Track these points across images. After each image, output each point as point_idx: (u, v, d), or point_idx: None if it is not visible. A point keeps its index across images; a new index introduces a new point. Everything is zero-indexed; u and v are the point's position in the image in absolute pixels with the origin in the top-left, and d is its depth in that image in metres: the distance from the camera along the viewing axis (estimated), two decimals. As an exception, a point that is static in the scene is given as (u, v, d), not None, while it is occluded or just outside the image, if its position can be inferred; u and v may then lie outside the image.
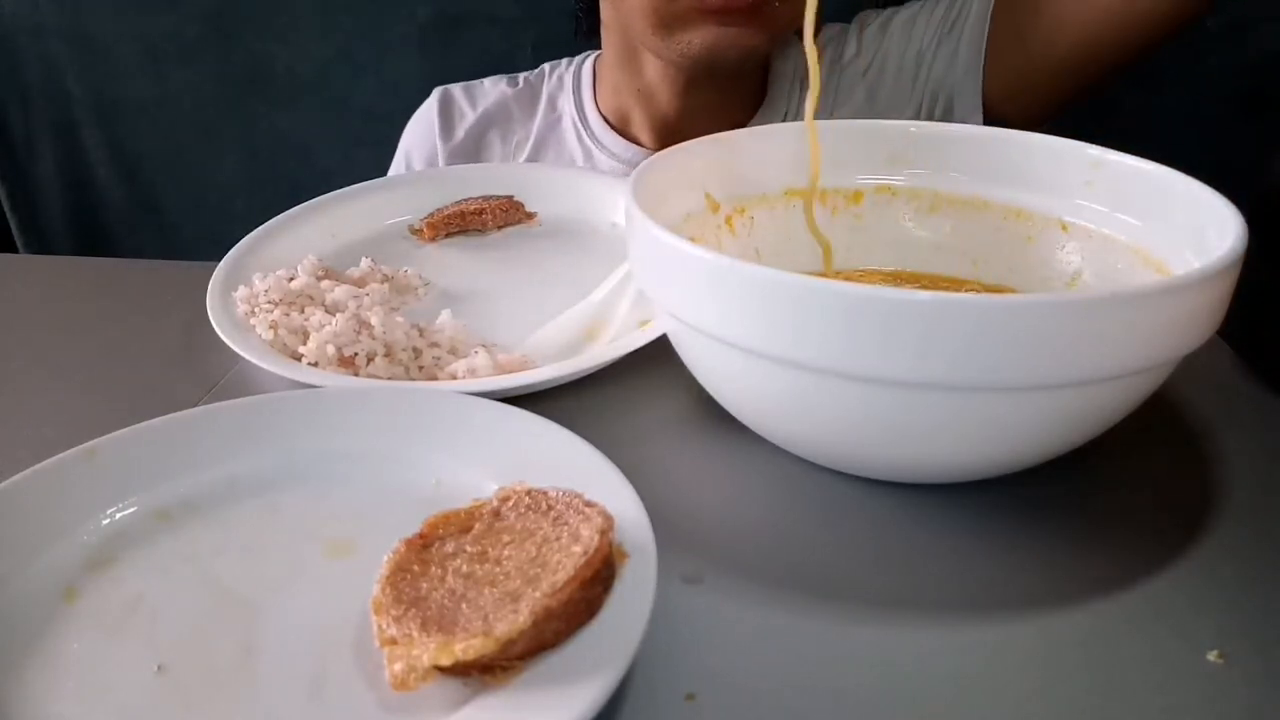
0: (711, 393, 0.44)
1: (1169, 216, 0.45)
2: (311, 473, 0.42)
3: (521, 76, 0.97)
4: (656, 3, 0.75)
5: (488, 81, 0.96)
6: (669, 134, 0.87)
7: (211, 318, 0.54)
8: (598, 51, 0.92)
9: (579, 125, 0.91)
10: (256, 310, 0.55)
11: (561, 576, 0.31)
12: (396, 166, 0.97)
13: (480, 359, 0.50)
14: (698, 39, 0.76)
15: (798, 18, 0.79)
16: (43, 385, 0.54)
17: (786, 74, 0.89)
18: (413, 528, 0.35)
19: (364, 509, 0.40)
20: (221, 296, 0.56)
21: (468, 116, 0.94)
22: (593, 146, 0.90)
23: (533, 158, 0.92)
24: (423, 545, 0.35)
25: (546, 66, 0.97)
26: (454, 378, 0.50)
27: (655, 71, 0.86)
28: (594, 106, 0.91)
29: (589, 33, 0.93)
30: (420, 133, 0.95)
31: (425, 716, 0.30)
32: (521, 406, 0.43)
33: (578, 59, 0.95)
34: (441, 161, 0.93)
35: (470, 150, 0.93)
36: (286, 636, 0.34)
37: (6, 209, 1.30)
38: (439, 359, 0.52)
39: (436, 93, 0.96)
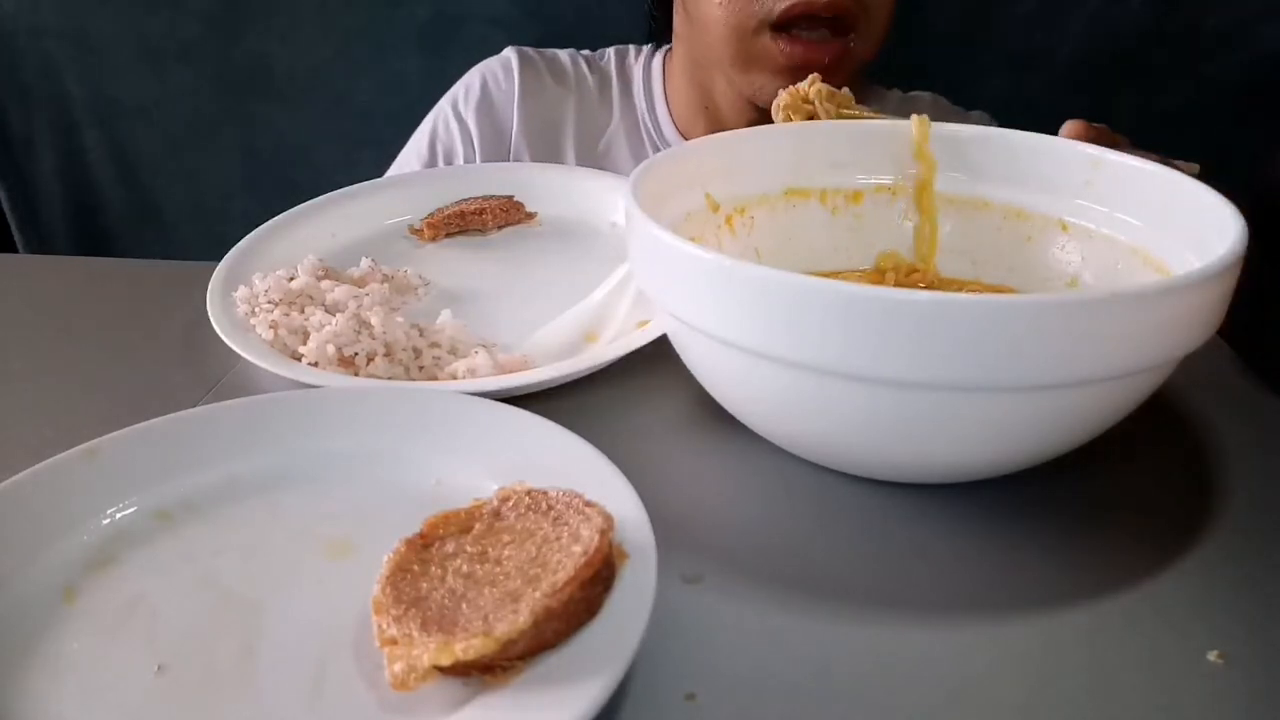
0: (711, 392, 0.44)
1: (1169, 216, 0.45)
2: (311, 473, 0.42)
3: (591, 58, 0.94)
4: (737, 36, 0.74)
5: (563, 54, 0.93)
6: None
7: (211, 318, 0.54)
8: (668, 46, 0.90)
9: (649, 128, 0.89)
10: (256, 310, 0.55)
11: (561, 576, 0.31)
12: (439, 118, 0.92)
13: (480, 359, 0.50)
14: (772, 84, 0.74)
15: (865, 58, 0.75)
16: (43, 385, 0.53)
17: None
18: (413, 528, 0.35)
19: (364, 509, 0.40)
20: (221, 296, 0.56)
21: (548, 85, 0.91)
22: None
23: (606, 150, 0.90)
24: (423, 545, 0.34)
25: (612, 53, 0.94)
26: (454, 378, 0.50)
27: (724, 95, 0.84)
28: (665, 108, 0.89)
29: (658, 36, 0.90)
30: (496, 84, 0.90)
31: (425, 716, 0.30)
32: (521, 406, 0.43)
33: (646, 50, 0.92)
34: (515, 122, 0.89)
35: (550, 122, 0.90)
36: (286, 636, 0.34)
37: (6, 209, 1.30)
38: (439, 359, 0.52)
39: (513, 52, 0.92)
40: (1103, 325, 0.34)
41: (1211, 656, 0.34)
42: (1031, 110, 0.91)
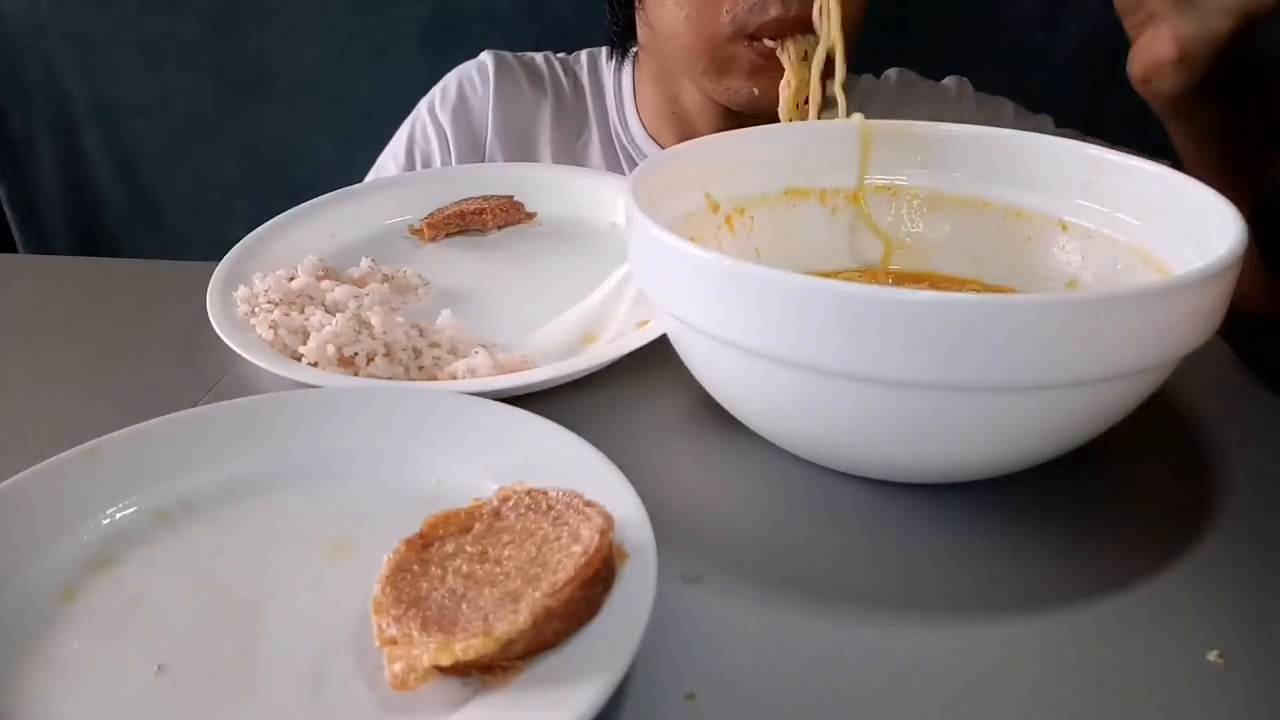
0: (711, 393, 0.44)
1: (1169, 216, 0.45)
2: (311, 473, 0.42)
3: (566, 61, 0.94)
4: (708, 46, 0.73)
5: (539, 58, 0.93)
6: None
7: (211, 318, 0.54)
8: (636, 50, 0.90)
9: (620, 134, 0.89)
10: (256, 310, 0.55)
11: (561, 576, 0.31)
12: (416, 122, 0.92)
13: (480, 359, 0.50)
14: (747, 87, 0.74)
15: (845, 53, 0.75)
16: (43, 385, 0.53)
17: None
18: (413, 528, 0.35)
19: (364, 509, 0.40)
20: (221, 296, 0.56)
21: (524, 90, 0.90)
22: (635, 157, 0.89)
23: (581, 155, 0.90)
24: (423, 545, 0.34)
25: (585, 56, 0.94)
26: (454, 378, 0.50)
27: (693, 103, 0.84)
28: (635, 114, 0.89)
29: (620, 46, 0.90)
30: (472, 88, 0.91)
31: (425, 716, 0.30)
32: (521, 406, 0.43)
33: (615, 56, 0.92)
34: (489, 126, 0.90)
35: (525, 126, 0.90)
36: (286, 636, 0.34)
37: (6, 209, 1.30)
38: (439, 359, 0.52)
39: (489, 56, 0.92)
40: (1103, 325, 0.34)
41: (1211, 656, 0.34)
42: (1031, 110, 0.92)
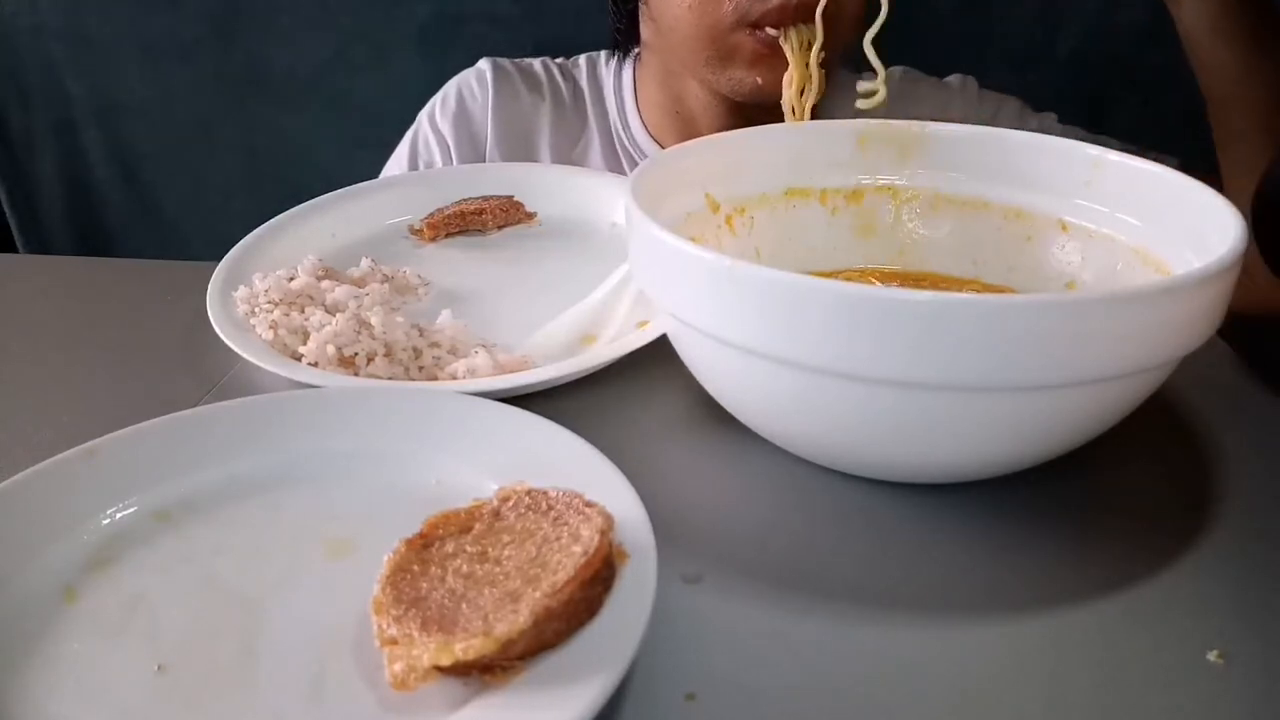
0: (711, 392, 0.44)
1: (1169, 216, 0.45)
2: (311, 473, 0.42)
3: (565, 66, 0.94)
4: (710, 35, 0.73)
5: (537, 63, 0.94)
6: None
7: (211, 318, 0.54)
8: (637, 52, 0.90)
9: (622, 135, 0.90)
10: (256, 310, 0.55)
11: (561, 576, 0.31)
12: (418, 132, 0.93)
13: (480, 359, 0.50)
14: (750, 77, 0.75)
15: (843, 39, 0.74)
16: (43, 385, 0.54)
17: (834, 113, 0.88)
18: (413, 528, 0.35)
19: (364, 509, 0.40)
20: (221, 296, 0.56)
21: (522, 95, 0.91)
22: (637, 158, 0.89)
23: (581, 158, 0.90)
24: (423, 545, 0.35)
25: (584, 60, 0.95)
26: (454, 378, 0.50)
27: (698, 100, 0.84)
28: (637, 115, 0.90)
29: (622, 47, 0.90)
30: (471, 94, 0.92)
31: (425, 716, 0.30)
32: (521, 406, 0.43)
33: (617, 57, 0.92)
34: (489, 132, 0.90)
35: (524, 131, 0.90)
36: (286, 636, 0.34)
37: (6, 209, 1.30)
38: (439, 359, 0.52)
39: (488, 64, 0.93)
40: (1103, 325, 0.34)
41: (1211, 656, 0.34)
42: (1034, 109, 0.91)
